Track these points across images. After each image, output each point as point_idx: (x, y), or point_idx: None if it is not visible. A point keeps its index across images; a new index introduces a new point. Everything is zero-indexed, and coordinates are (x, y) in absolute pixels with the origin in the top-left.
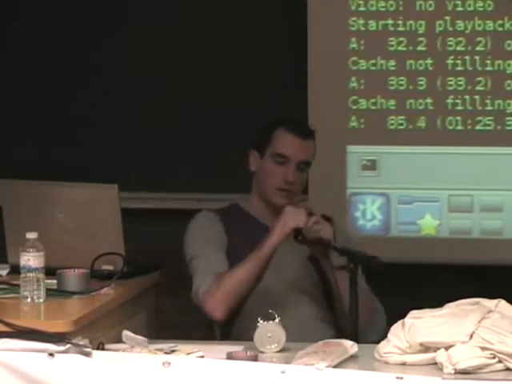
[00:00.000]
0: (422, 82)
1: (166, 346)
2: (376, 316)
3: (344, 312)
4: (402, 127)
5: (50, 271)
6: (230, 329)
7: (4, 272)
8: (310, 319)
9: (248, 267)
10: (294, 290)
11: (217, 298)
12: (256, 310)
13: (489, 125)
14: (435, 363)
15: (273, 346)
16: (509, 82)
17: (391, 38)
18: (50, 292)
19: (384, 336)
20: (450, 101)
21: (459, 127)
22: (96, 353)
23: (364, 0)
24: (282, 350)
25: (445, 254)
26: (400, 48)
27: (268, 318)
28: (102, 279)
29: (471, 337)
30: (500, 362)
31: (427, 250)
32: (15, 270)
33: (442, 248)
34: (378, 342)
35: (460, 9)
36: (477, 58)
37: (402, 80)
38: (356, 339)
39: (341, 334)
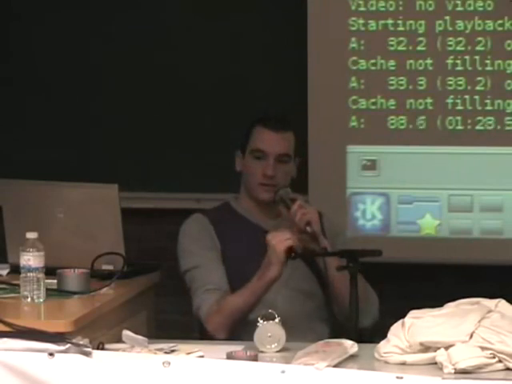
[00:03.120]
0: (421, 82)
1: (165, 345)
2: (369, 300)
3: (339, 298)
4: (402, 127)
5: (50, 271)
6: None
7: (4, 272)
8: (305, 317)
9: (246, 297)
10: (288, 288)
11: (217, 323)
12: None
13: (489, 125)
14: (435, 363)
15: (273, 346)
16: (509, 81)
17: (391, 38)
18: (49, 292)
19: (377, 321)
20: (449, 101)
21: (459, 127)
22: (96, 353)
23: (364, 0)
24: (281, 350)
25: (445, 254)
26: (400, 48)
27: (268, 317)
28: (102, 279)
29: (471, 336)
30: (500, 361)
31: (427, 250)
32: (15, 269)
33: (442, 248)
34: (372, 328)
35: (460, 9)
36: (477, 57)
37: (401, 80)
38: (356, 338)
39: (337, 324)
